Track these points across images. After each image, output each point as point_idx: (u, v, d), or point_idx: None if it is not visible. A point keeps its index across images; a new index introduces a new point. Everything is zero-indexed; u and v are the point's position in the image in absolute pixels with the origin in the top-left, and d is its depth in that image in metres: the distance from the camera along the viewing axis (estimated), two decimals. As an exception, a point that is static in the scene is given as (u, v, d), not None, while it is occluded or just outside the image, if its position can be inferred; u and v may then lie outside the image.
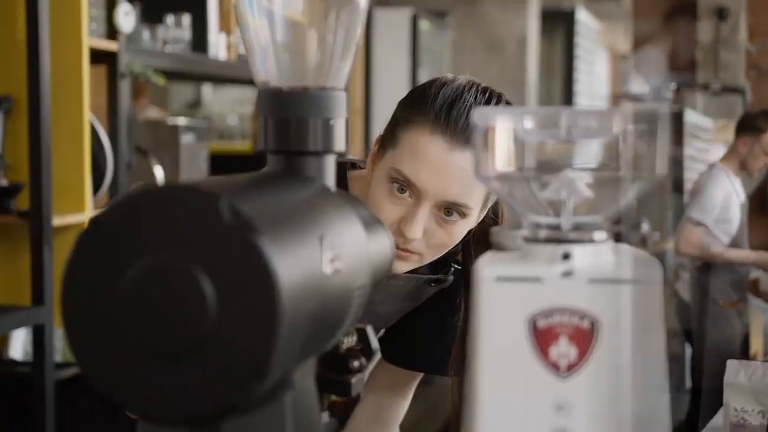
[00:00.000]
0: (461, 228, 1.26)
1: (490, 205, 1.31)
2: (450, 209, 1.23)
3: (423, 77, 5.79)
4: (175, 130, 2.97)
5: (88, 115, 2.46)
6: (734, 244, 4.29)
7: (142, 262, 0.61)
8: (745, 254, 4.35)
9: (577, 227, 0.71)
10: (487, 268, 0.69)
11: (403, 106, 1.27)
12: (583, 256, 0.69)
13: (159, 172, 2.89)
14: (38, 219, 2.29)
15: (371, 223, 0.86)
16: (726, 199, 4.23)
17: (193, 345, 0.60)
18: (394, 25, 4.90)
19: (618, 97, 8.06)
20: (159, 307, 0.61)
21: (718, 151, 8.37)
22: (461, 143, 1.21)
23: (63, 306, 0.63)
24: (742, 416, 1.88)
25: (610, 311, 0.68)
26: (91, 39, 2.49)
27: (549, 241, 0.70)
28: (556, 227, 0.71)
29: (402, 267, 1.27)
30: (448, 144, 1.21)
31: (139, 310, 0.61)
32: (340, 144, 0.82)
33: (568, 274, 0.68)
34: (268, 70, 0.82)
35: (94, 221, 0.62)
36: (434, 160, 1.21)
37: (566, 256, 0.69)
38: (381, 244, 0.86)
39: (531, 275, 0.68)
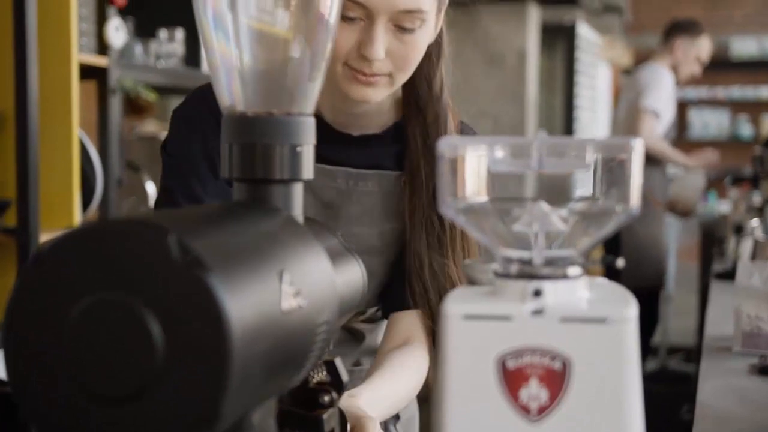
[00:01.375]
0: (422, 37, 1.21)
1: (444, 7, 1.28)
2: (404, 20, 1.18)
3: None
4: (168, 145, 2.93)
5: (77, 131, 2.43)
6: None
7: (86, 300, 0.58)
8: (685, 157, 4.58)
9: (549, 262, 0.68)
10: (454, 305, 0.66)
11: None
12: (555, 293, 0.66)
13: (151, 188, 2.86)
14: (25, 236, 2.26)
15: (340, 253, 0.83)
16: (669, 94, 4.37)
17: (138, 389, 0.57)
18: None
19: None
20: (103, 347, 0.58)
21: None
22: None
23: (4, 341, 0.60)
24: (756, 324, 1.75)
25: (583, 351, 0.65)
26: (81, 54, 2.46)
27: (520, 276, 0.67)
28: (528, 262, 0.68)
29: (375, 94, 1.23)
30: None
31: (83, 349, 0.58)
32: (308, 171, 0.79)
33: (538, 312, 0.65)
34: (233, 95, 0.79)
35: (39, 255, 0.59)
36: None
37: (537, 293, 0.66)
38: (350, 275, 0.83)
39: (500, 313, 0.65)
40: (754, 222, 3.00)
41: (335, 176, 1.31)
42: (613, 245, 4.28)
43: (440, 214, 1.23)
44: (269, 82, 0.79)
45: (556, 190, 0.69)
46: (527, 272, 0.67)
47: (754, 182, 4.12)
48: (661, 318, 4.83)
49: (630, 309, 0.65)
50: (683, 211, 4.76)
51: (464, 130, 1.39)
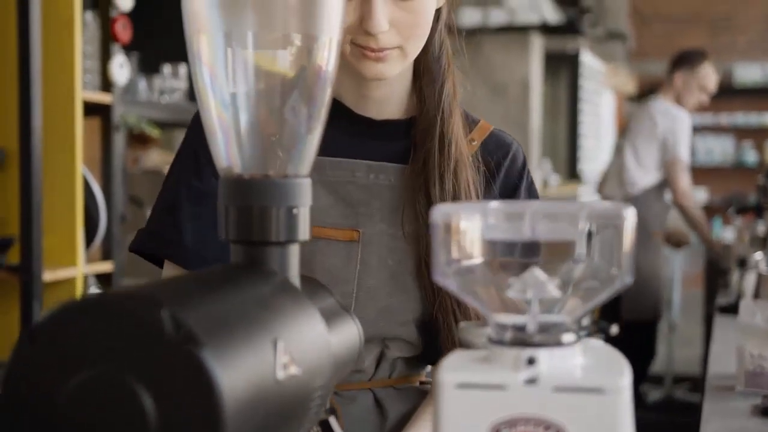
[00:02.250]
0: (425, 1, 1.14)
1: None
2: None
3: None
4: (171, 179, 2.94)
5: (80, 168, 2.44)
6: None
7: (80, 375, 0.59)
8: (708, 234, 4.58)
9: (543, 328, 0.68)
10: (448, 373, 0.66)
11: None
12: (549, 361, 0.66)
13: (154, 223, 2.86)
14: (28, 274, 2.26)
15: (336, 312, 0.83)
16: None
17: (132, 465, 0.57)
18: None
19: None
20: (97, 422, 0.58)
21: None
22: None
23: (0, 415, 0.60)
24: (759, 363, 1.73)
25: (578, 421, 0.65)
26: (85, 92, 2.48)
27: (514, 343, 0.67)
28: (522, 328, 0.68)
29: (389, 69, 1.16)
30: None
31: (77, 424, 0.58)
32: (304, 233, 0.80)
33: (532, 381, 0.65)
34: (230, 157, 0.80)
35: (33, 330, 0.60)
36: None
37: (531, 361, 0.66)
38: (346, 335, 0.83)
39: (493, 382, 0.65)
40: (758, 255, 3.00)
41: (354, 170, 1.23)
42: None
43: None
44: (266, 145, 0.79)
45: (551, 251, 0.70)
46: (521, 339, 0.67)
47: (758, 211, 4.12)
48: (658, 349, 4.81)
49: (624, 378, 0.65)
50: (677, 243, 4.76)
51: (465, 114, 1.30)
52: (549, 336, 0.67)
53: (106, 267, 2.62)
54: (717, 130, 9.96)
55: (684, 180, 4.26)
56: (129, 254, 2.71)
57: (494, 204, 0.71)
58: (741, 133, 9.92)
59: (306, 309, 0.74)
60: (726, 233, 8.53)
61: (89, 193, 2.50)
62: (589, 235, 0.68)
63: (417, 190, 1.21)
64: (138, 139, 3.42)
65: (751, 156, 9.91)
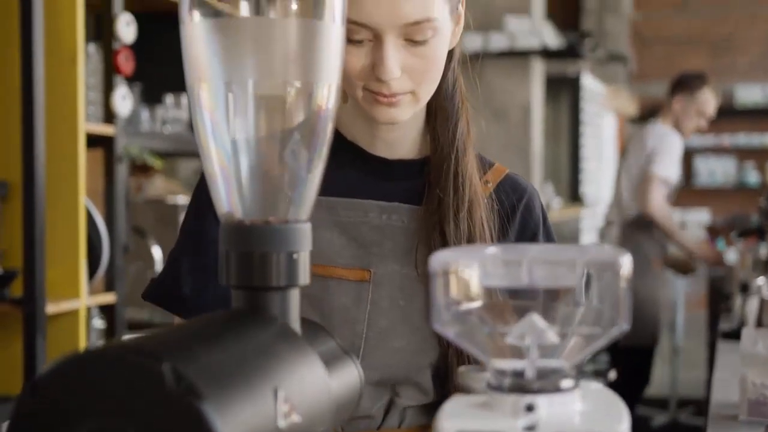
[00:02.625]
0: (438, 46, 1.13)
1: (460, 2, 1.19)
2: (414, 33, 1.11)
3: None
4: (174, 209, 2.96)
5: (83, 200, 2.45)
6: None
7: (82, 428, 0.59)
8: (691, 243, 4.54)
9: (542, 374, 0.69)
10: (448, 420, 0.67)
11: None
12: (548, 407, 0.66)
13: (157, 254, 2.88)
14: (32, 307, 2.27)
15: (337, 356, 0.84)
16: (679, 158, 4.42)
17: None
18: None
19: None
20: (99, 475, 0.58)
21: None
22: None
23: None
24: (762, 392, 1.71)
25: (576, 467, 0.65)
26: (88, 124, 2.49)
27: (513, 390, 0.68)
28: (521, 374, 0.69)
29: (401, 113, 1.15)
30: None
31: (79, 477, 0.59)
32: (304, 277, 0.80)
33: (531, 428, 0.66)
34: (231, 202, 0.80)
35: (34, 384, 0.60)
36: None
37: (530, 408, 0.67)
38: (347, 379, 0.83)
39: (493, 429, 0.66)
40: (760, 280, 2.99)
41: (367, 211, 1.22)
42: None
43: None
44: (266, 190, 0.80)
45: (549, 297, 0.70)
46: (520, 386, 0.68)
47: (761, 234, 4.11)
48: (662, 373, 4.80)
49: (623, 424, 0.66)
50: (682, 270, 4.75)
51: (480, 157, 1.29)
52: (548, 382, 0.68)
53: (109, 298, 2.63)
54: (719, 150, 9.97)
55: (655, 193, 4.26)
56: (131, 284, 2.72)
57: (492, 250, 0.72)
58: (743, 153, 9.94)
59: (306, 355, 0.74)
60: (729, 254, 8.53)
61: (92, 225, 2.51)
62: (587, 280, 0.69)
63: (431, 230, 1.19)
64: (141, 167, 3.43)
65: (753, 177, 9.92)
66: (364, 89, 1.15)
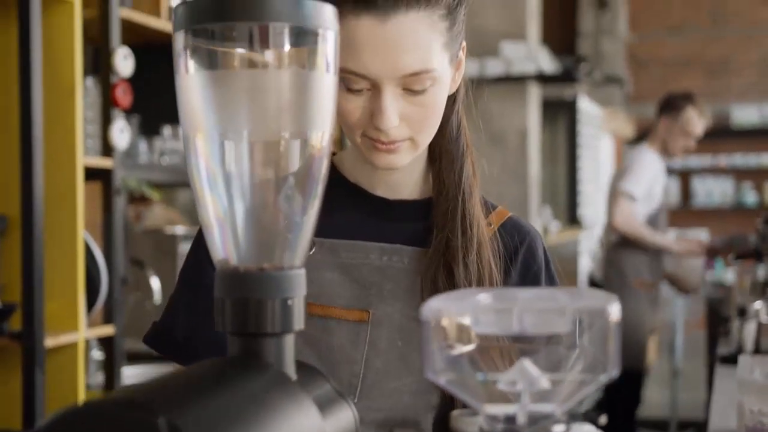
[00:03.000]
0: (436, 94, 1.14)
1: (460, 49, 1.19)
2: (413, 83, 1.11)
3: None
4: (173, 239, 2.97)
5: (82, 234, 2.46)
6: (650, 223, 4.38)
7: (80, 482, 0.60)
8: (669, 241, 4.46)
9: (533, 419, 0.69)
10: (441, 467, 0.68)
11: None
12: (540, 453, 0.67)
13: (156, 284, 2.88)
14: (30, 341, 2.27)
15: (332, 399, 0.85)
16: (654, 177, 4.37)
17: None
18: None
19: None
20: None
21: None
22: (395, 8, 1.10)
23: None
24: (759, 419, 1.71)
25: None
26: (86, 157, 2.50)
27: (505, 436, 0.69)
28: (512, 418, 0.70)
29: (399, 159, 1.16)
30: (378, 17, 1.10)
31: None
32: (299, 323, 0.81)
33: (524, 474, 0.66)
34: (226, 249, 0.82)
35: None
36: (368, 41, 1.09)
37: (522, 454, 0.67)
38: (342, 423, 0.84)
39: (486, 476, 0.67)
40: (758, 304, 3.00)
41: (368, 252, 1.22)
42: None
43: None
44: (261, 237, 0.81)
45: (540, 343, 0.71)
46: (512, 431, 0.69)
47: (758, 256, 4.12)
48: (661, 395, 4.79)
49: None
50: (684, 289, 4.76)
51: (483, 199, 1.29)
52: (539, 427, 0.69)
53: (107, 330, 2.63)
54: (716, 171, 10.00)
55: (619, 207, 4.27)
56: (130, 315, 2.72)
57: (483, 297, 0.73)
58: (740, 174, 9.96)
59: (301, 401, 0.75)
60: (727, 275, 8.52)
61: (91, 258, 2.51)
62: (578, 326, 0.70)
63: (438, 272, 1.19)
64: (140, 197, 3.45)
65: (750, 197, 9.94)
66: (363, 136, 1.16)
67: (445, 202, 1.22)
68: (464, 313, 0.70)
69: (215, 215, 0.81)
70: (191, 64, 0.78)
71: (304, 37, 0.79)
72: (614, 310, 0.68)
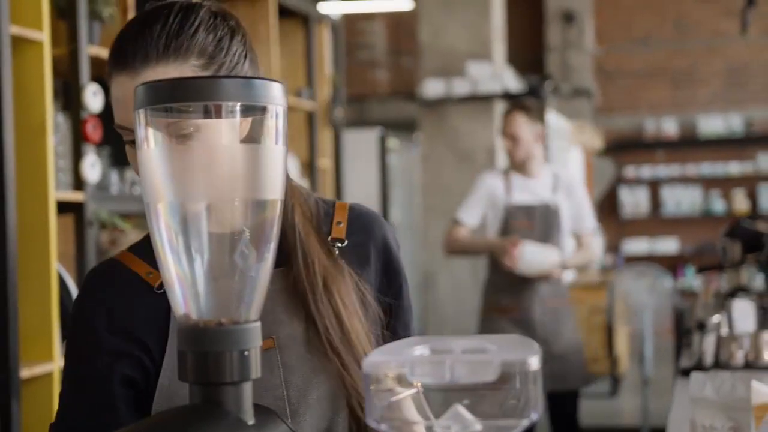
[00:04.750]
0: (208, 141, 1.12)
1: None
2: (177, 130, 1.09)
3: (394, 192, 5.94)
4: (145, 266, 3.02)
5: (55, 266, 2.52)
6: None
7: None
8: (487, 242, 4.11)
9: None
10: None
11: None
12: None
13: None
14: (6, 373, 2.33)
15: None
16: (484, 195, 4.07)
17: None
18: (363, 144, 5.03)
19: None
20: None
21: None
22: (144, 64, 1.15)
23: None
24: None
25: None
26: (58, 192, 2.56)
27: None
28: (448, 461, 0.77)
29: None
30: (130, 74, 1.15)
31: None
32: (256, 371, 0.88)
33: None
34: (186, 305, 0.89)
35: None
36: (124, 95, 1.15)
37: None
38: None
39: None
40: (716, 318, 3.07)
41: None
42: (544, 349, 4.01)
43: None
44: (219, 294, 0.89)
45: (472, 391, 0.79)
46: (447, 472, 0.76)
47: (721, 268, 4.21)
48: (632, 402, 4.81)
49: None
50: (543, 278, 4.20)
51: (323, 203, 1.32)
52: (472, 468, 0.76)
53: (82, 358, 2.68)
54: (684, 180, 10.16)
55: (449, 233, 4.06)
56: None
57: (418, 351, 0.80)
58: (708, 182, 10.13)
59: (257, 446, 0.82)
60: (695, 282, 8.66)
61: (64, 289, 2.57)
62: (504, 375, 0.78)
63: (305, 304, 1.24)
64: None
65: (719, 205, 10.10)
66: None
67: (285, 246, 1.24)
68: (401, 366, 0.77)
69: (176, 274, 0.89)
70: (151, 140, 0.86)
71: (254, 113, 0.86)
72: (534, 361, 0.76)
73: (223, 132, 0.86)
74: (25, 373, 2.41)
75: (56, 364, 2.53)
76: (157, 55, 1.16)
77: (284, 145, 0.89)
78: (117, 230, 3.26)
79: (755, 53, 9.81)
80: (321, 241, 1.28)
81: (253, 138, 0.87)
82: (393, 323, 1.33)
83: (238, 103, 0.85)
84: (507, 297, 4.05)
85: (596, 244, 4.19)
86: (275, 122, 0.87)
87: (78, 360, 1.24)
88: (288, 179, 1.27)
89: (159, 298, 1.22)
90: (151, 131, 0.86)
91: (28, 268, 2.48)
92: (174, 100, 0.85)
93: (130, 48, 1.16)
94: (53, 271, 2.50)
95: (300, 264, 1.25)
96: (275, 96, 0.87)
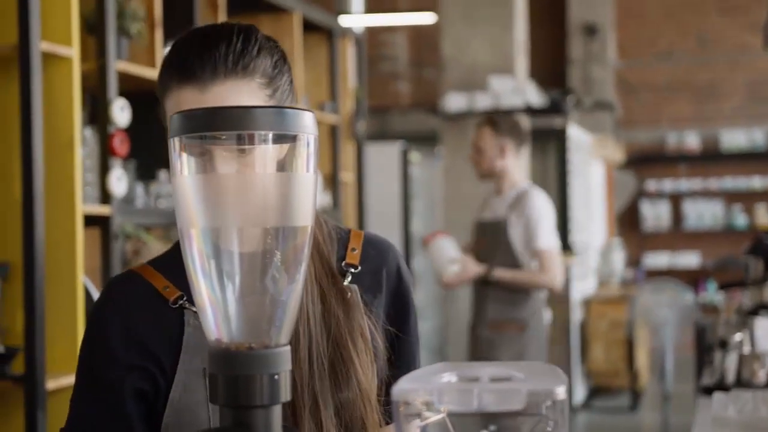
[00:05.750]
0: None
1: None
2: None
3: (415, 205, 5.95)
4: (168, 279, 3.04)
5: (81, 279, 2.55)
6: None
7: None
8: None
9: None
10: None
11: (157, 84, 1.24)
12: None
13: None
14: (32, 384, 2.36)
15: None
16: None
17: None
18: (385, 157, 5.05)
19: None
20: None
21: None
22: (213, 78, 1.17)
23: None
24: None
25: None
26: (85, 205, 2.60)
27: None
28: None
29: None
30: (198, 87, 1.17)
31: None
32: (285, 395, 0.90)
33: None
34: (218, 330, 0.90)
35: None
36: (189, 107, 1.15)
37: None
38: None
39: None
40: (738, 336, 3.07)
41: None
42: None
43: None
44: (251, 319, 0.90)
45: (500, 418, 0.80)
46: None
47: (743, 284, 4.19)
48: (653, 418, 4.80)
49: None
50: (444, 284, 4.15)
51: (338, 231, 1.33)
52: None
53: (107, 370, 2.71)
54: (707, 194, 10.11)
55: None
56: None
57: (446, 378, 0.82)
58: (730, 197, 10.08)
59: (287, 471, 0.84)
60: (717, 297, 8.61)
61: (90, 301, 2.60)
62: (531, 404, 0.79)
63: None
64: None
65: (741, 219, 10.04)
66: None
67: None
68: (429, 394, 0.79)
69: (209, 298, 0.90)
70: (185, 168, 0.88)
71: (286, 142, 0.88)
72: (561, 390, 0.77)
73: (256, 160, 0.88)
74: (51, 384, 2.44)
75: (81, 375, 2.56)
76: (226, 71, 1.18)
77: (315, 173, 0.91)
78: (140, 241, 3.29)
79: (778, 67, 9.77)
80: (328, 266, 1.28)
81: (284, 166, 0.89)
82: (399, 352, 1.32)
83: (271, 132, 0.87)
84: (471, 311, 4.05)
85: (555, 267, 3.93)
86: (306, 150, 0.89)
87: (90, 369, 1.25)
88: None
89: (174, 313, 1.24)
90: (185, 158, 0.88)
91: (55, 281, 2.51)
92: (209, 129, 0.87)
93: (197, 62, 1.17)
94: (79, 284, 2.53)
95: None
96: (307, 125, 0.89)
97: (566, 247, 7.25)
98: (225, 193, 0.88)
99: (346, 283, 1.28)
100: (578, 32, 9.48)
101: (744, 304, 3.92)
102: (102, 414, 1.23)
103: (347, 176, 4.52)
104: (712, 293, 9.64)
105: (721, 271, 9.84)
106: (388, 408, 1.23)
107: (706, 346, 4.25)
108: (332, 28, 4.45)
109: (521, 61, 5.55)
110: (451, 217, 5.40)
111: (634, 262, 9.94)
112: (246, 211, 0.88)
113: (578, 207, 7.65)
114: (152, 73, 2.96)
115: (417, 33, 9.75)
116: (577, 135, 7.49)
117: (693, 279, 9.66)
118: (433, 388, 0.79)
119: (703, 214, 10.12)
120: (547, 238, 3.96)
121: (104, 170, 2.69)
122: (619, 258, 8.74)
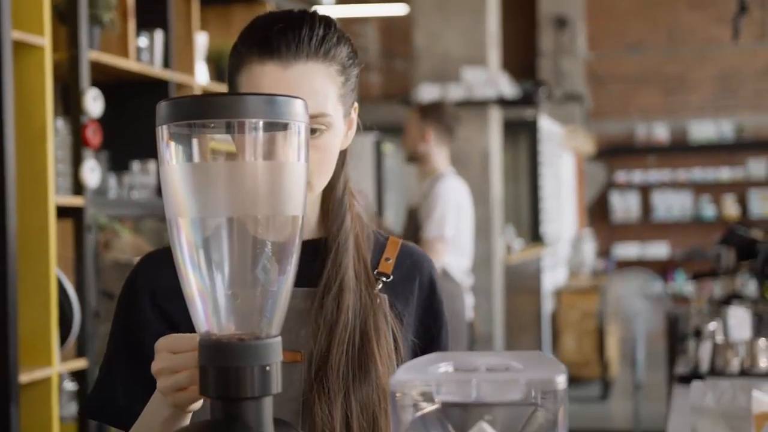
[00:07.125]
0: (331, 140, 1.21)
1: (354, 110, 1.27)
2: (311, 123, 1.10)
3: (389, 198, 5.94)
4: (142, 271, 3.01)
5: (54, 271, 2.52)
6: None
7: None
8: None
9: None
10: None
11: (230, 58, 1.24)
12: None
13: (126, 316, 2.92)
14: (5, 378, 2.32)
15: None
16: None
17: None
18: (358, 148, 5.00)
19: None
20: None
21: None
22: (296, 57, 1.18)
23: None
24: None
25: None
26: (57, 196, 2.56)
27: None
28: (472, 477, 0.78)
29: None
30: (281, 64, 1.18)
31: None
32: (277, 386, 0.89)
33: None
34: (208, 322, 0.89)
35: None
36: (272, 85, 1.17)
37: None
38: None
39: None
40: (712, 326, 3.08)
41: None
42: None
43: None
44: (241, 310, 0.89)
45: (497, 409, 0.79)
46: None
47: (715, 274, 4.21)
48: (624, 407, 4.82)
49: None
50: None
51: (376, 237, 1.35)
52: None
53: (80, 363, 2.68)
54: (675, 185, 10.18)
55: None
56: (101, 346, 2.76)
57: (443, 368, 0.81)
58: (698, 188, 10.15)
59: (279, 464, 0.83)
60: (687, 287, 8.68)
61: (63, 293, 2.57)
62: (530, 394, 0.78)
63: (325, 322, 1.24)
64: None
65: (709, 210, 10.13)
66: None
67: (324, 250, 1.26)
68: (427, 384, 0.78)
69: (198, 289, 0.89)
70: (173, 156, 0.86)
71: (276, 130, 0.86)
72: (560, 380, 0.76)
73: (244, 149, 0.86)
74: (24, 377, 2.41)
75: (55, 368, 2.53)
76: (309, 52, 1.19)
77: (306, 162, 0.89)
78: (111, 233, 3.26)
79: (746, 60, 9.84)
80: (364, 272, 1.28)
81: (275, 154, 0.87)
82: None
83: (261, 120, 0.85)
84: None
85: (433, 257, 3.82)
86: (297, 139, 0.88)
87: (126, 335, 1.26)
88: (353, 205, 1.29)
89: None
90: (173, 147, 0.87)
91: (27, 273, 2.47)
92: (197, 116, 0.85)
93: (281, 39, 1.18)
94: (53, 276, 2.50)
95: (327, 268, 1.25)
96: (297, 113, 0.88)
97: (537, 238, 7.28)
98: (214, 182, 0.87)
99: (376, 290, 1.27)
100: (549, 24, 9.49)
101: (715, 294, 3.95)
102: (130, 382, 1.23)
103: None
104: (681, 283, 9.71)
105: (690, 262, 9.92)
106: None
107: (679, 335, 4.27)
108: (305, 18, 4.41)
109: (493, 53, 5.55)
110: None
111: (604, 252, 10.00)
112: (235, 200, 0.86)
113: (549, 198, 7.68)
114: (125, 63, 2.92)
115: (387, 24, 9.72)
116: (548, 126, 7.51)
117: (662, 269, 9.72)
118: (430, 378, 0.78)
119: (672, 205, 10.19)
120: (434, 227, 3.89)
121: (77, 161, 2.65)
122: (589, 249, 8.80)
